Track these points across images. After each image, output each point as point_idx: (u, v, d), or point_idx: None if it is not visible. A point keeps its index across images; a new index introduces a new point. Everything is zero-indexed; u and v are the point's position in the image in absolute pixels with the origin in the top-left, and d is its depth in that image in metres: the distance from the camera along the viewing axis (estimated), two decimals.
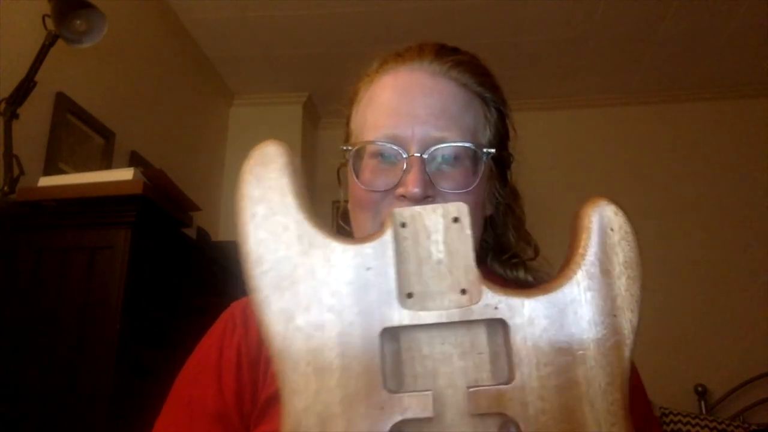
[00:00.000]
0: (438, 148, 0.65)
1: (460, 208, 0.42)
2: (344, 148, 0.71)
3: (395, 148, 0.66)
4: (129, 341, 1.44)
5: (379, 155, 0.68)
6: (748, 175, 3.21)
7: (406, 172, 0.64)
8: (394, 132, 0.67)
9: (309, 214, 0.42)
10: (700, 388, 2.93)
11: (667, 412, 2.75)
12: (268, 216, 0.41)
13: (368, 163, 0.69)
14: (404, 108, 0.68)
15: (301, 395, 0.39)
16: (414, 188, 0.63)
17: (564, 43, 2.99)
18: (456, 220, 0.42)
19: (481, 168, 0.68)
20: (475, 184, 0.67)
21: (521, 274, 0.75)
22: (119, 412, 1.37)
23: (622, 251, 0.41)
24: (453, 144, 0.66)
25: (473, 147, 0.67)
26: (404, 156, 0.65)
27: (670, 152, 3.33)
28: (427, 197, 0.64)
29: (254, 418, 0.65)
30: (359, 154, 0.70)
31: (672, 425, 2.69)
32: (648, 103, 3.41)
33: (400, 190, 0.64)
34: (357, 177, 0.69)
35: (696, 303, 3.05)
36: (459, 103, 0.69)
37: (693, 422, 2.69)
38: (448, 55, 0.72)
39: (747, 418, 2.86)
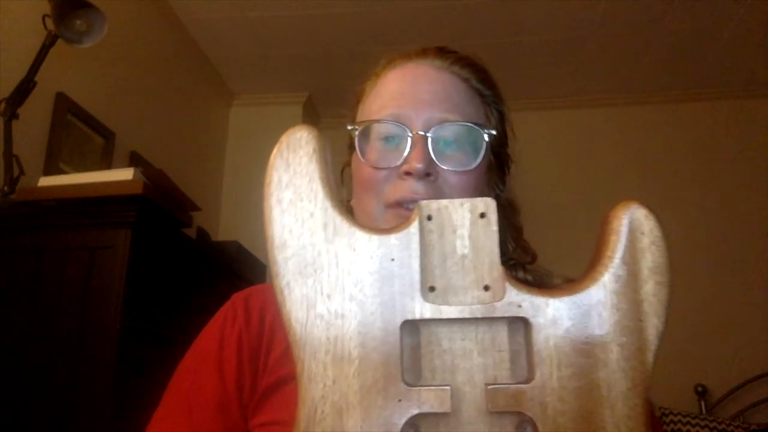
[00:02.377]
0: (441, 127, 0.68)
1: (488, 204, 0.42)
2: (351, 127, 0.73)
3: (400, 126, 0.68)
4: (129, 341, 1.44)
5: (384, 137, 0.70)
6: (749, 175, 3.21)
7: (410, 149, 0.67)
8: (399, 112, 0.69)
9: (336, 201, 0.42)
10: (700, 388, 2.93)
11: (667, 412, 2.75)
12: (294, 201, 0.42)
13: (374, 145, 0.71)
14: (409, 92, 0.71)
15: (318, 383, 0.39)
16: (418, 164, 0.65)
17: (564, 43, 2.99)
18: (483, 215, 0.42)
19: (482, 151, 0.69)
20: (475, 164, 0.69)
21: (520, 274, 0.75)
22: (119, 411, 1.37)
23: (652, 256, 0.41)
24: (456, 123, 0.68)
25: (475, 126, 0.69)
26: (409, 134, 0.68)
27: (670, 152, 3.33)
28: (428, 175, 0.66)
29: (252, 408, 0.66)
30: (365, 137, 0.72)
31: (672, 425, 2.69)
32: (648, 103, 3.41)
33: (405, 167, 0.67)
34: (363, 157, 0.71)
35: (696, 303, 3.05)
36: (461, 94, 0.72)
37: (693, 422, 2.68)
38: (450, 53, 0.76)
39: (747, 418, 2.86)
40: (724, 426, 2.66)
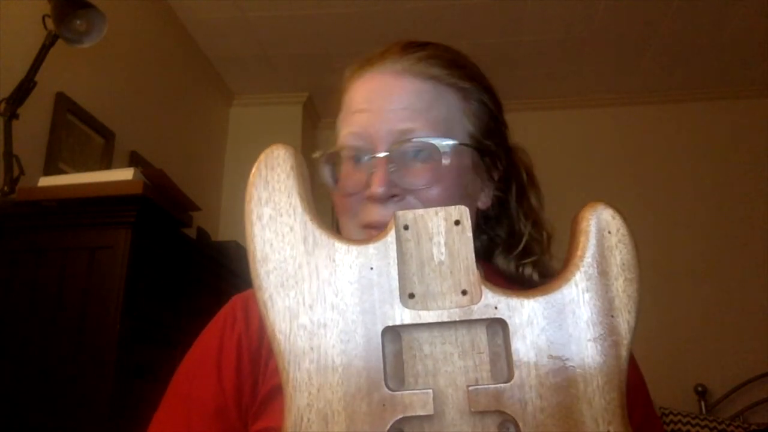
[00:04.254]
0: (400, 145, 0.66)
1: (462, 212, 0.44)
2: (314, 155, 0.72)
3: (360, 149, 0.67)
4: (129, 341, 1.44)
5: (352, 158, 0.69)
6: (748, 175, 3.21)
7: (371, 174, 0.65)
8: (359, 133, 0.68)
9: (314, 215, 0.44)
10: (700, 388, 2.93)
11: (667, 412, 2.75)
12: (274, 217, 0.43)
13: (345, 167, 0.71)
14: (369, 108, 0.68)
15: (303, 392, 0.40)
16: (377, 188, 0.64)
17: (564, 43, 2.99)
18: (457, 222, 0.43)
19: (452, 161, 0.66)
20: (444, 178, 0.66)
21: (527, 270, 0.74)
22: (119, 412, 1.37)
23: (620, 253, 0.42)
24: (414, 140, 0.66)
25: (434, 140, 0.66)
26: (367, 158, 0.67)
27: (670, 152, 3.33)
28: (393, 196, 0.65)
29: (253, 413, 0.65)
30: (333, 161, 0.71)
31: (672, 425, 2.69)
32: (648, 103, 3.42)
33: (366, 193, 0.65)
34: (335, 183, 0.71)
35: (696, 303, 3.05)
36: (426, 98, 0.68)
37: (693, 422, 2.69)
38: (413, 51, 0.71)
39: (747, 418, 2.86)
40: (724, 426, 2.66)
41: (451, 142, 0.67)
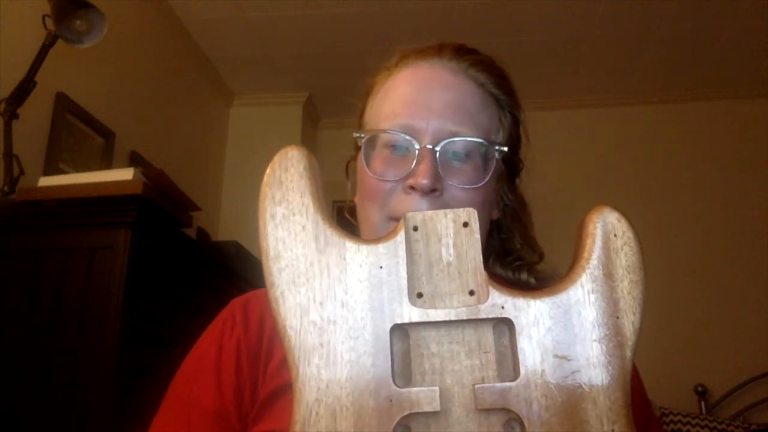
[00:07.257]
0: (450, 142, 0.65)
1: (470, 214, 0.45)
2: (357, 135, 0.72)
3: (408, 138, 0.66)
4: (129, 341, 1.44)
5: (392, 146, 0.68)
6: (748, 175, 3.22)
7: (417, 163, 0.65)
8: (409, 122, 0.67)
9: (325, 215, 0.45)
10: (700, 388, 2.93)
11: (667, 412, 2.75)
12: (287, 216, 0.44)
13: (380, 153, 0.69)
14: (421, 100, 0.68)
15: (312, 387, 0.41)
16: (423, 179, 0.63)
17: (564, 43, 2.99)
18: (466, 224, 0.45)
19: (492, 166, 0.67)
20: (484, 182, 0.67)
21: (524, 276, 0.74)
22: (119, 412, 1.37)
23: (625, 256, 0.43)
24: (466, 138, 0.66)
25: (486, 143, 0.67)
26: (416, 147, 0.65)
27: (670, 152, 3.34)
28: (434, 190, 0.64)
29: (253, 417, 0.65)
30: (371, 144, 0.70)
31: (672, 425, 2.69)
32: (648, 103, 3.42)
33: (410, 181, 0.64)
34: (368, 167, 0.69)
35: (696, 303, 3.06)
36: (476, 102, 0.69)
37: (693, 422, 2.69)
38: (468, 54, 0.72)
39: (747, 418, 2.86)
40: (724, 426, 2.66)
41: (504, 148, 0.68)
